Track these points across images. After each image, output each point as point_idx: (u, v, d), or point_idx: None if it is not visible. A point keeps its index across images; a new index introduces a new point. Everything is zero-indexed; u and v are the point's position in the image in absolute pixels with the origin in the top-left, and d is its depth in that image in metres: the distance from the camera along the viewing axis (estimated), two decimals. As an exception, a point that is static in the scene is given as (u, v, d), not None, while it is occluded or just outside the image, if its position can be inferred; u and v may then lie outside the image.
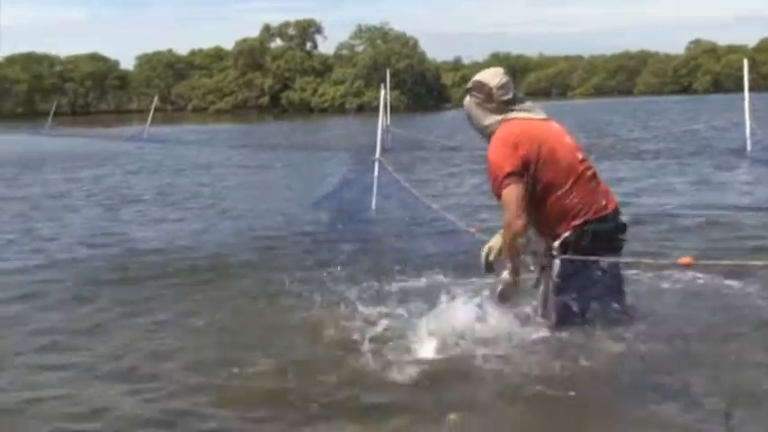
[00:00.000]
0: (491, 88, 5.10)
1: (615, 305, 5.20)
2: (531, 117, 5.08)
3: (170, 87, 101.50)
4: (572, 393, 4.38)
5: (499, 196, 4.95)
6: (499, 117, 5.09)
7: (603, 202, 5.00)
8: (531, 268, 5.37)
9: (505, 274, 5.17)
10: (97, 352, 5.52)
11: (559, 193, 4.92)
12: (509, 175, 4.86)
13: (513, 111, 5.08)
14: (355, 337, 5.33)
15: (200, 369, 5.02)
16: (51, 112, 54.80)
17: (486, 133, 5.16)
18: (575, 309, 5.02)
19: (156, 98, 48.09)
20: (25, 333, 6.04)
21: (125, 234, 10.38)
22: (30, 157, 25.98)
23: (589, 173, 5.01)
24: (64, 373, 5.18)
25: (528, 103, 5.18)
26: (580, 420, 4.19)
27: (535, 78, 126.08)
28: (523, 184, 4.87)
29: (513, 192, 4.86)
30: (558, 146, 4.96)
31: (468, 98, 5.26)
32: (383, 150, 12.50)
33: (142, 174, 19.46)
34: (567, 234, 4.93)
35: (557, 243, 4.96)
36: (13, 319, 6.45)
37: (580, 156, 5.03)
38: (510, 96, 5.10)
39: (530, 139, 4.92)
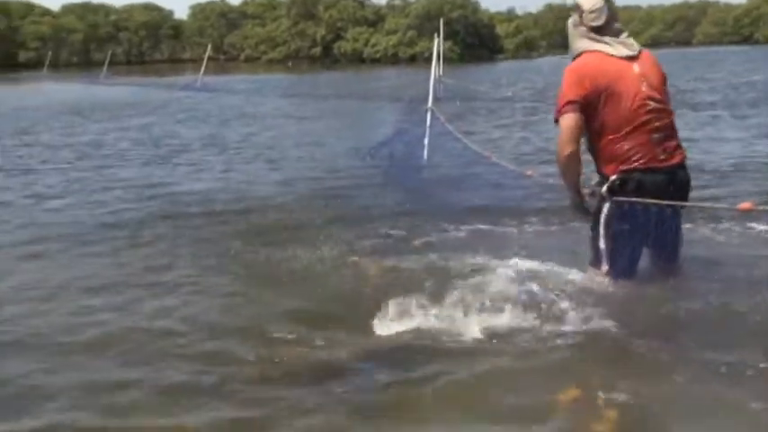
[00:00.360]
0: (583, 11, 4.96)
1: (668, 256, 5.07)
2: (611, 53, 4.88)
3: (223, 37, 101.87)
4: (615, 345, 4.31)
5: (557, 121, 4.88)
6: (584, 45, 4.96)
7: (662, 156, 4.80)
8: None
9: (570, 196, 5.10)
10: (123, 304, 5.46)
11: (612, 136, 4.80)
12: (569, 103, 4.78)
13: (599, 41, 4.92)
14: (401, 291, 5.22)
15: (226, 326, 4.93)
16: (106, 62, 55.36)
17: (572, 57, 5.07)
18: (623, 256, 4.91)
19: (209, 48, 48.19)
20: (56, 281, 6.02)
21: (170, 184, 10.38)
22: (83, 106, 26.19)
23: (655, 124, 4.79)
24: (81, 321, 5.15)
25: (622, 37, 4.96)
26: (621, 371, 4.07)
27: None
28: (580, 116, 4.77)
29: (568, 120, 4.79)
30: (625, 90, 4.77)
31: (570, 18, 5.14)
32: (435, 100, 12.34)
33: (192, 123, 19.51)
34: (613, 177, 4.82)
35: (604, 188, 4.85)
36: (46, 266, 6.46)
37: (651, 105, 4.79)
38: (600, 23, 4.92)
39: (599, 75, 4.78)
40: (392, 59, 79.61)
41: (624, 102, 4.75)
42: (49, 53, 77.11)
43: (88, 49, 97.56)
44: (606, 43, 4.90)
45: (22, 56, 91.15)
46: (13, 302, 5.52)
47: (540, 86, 29.28)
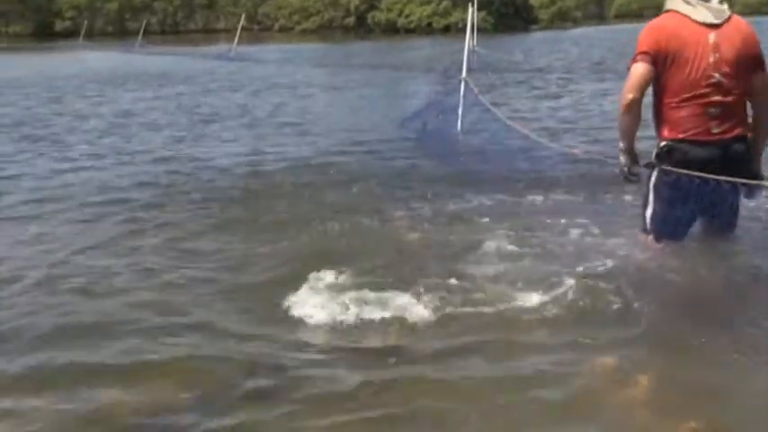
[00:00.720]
0: None
1: (720, 227, 5.02)
2: (692, 17, 4.76)
3: (257, 7, 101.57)
4: (652, 316, 4.25)
5: (629, 69, 4.87)
6: (673, 4, 4.86)
7: (715, 130, 4.72)
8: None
9: (621, 158, 5.07)
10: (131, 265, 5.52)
11: (669, 100, 4.77)
12: (642, 53, 4.77)
13: (686, 1, 4.80)
14: (431, 261, 5.18)
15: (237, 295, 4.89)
16: (141, 31, 55.44)
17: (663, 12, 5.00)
18: (669, 224, 4.93)
19: (242, 17, 48.08)
20: (77, 248, 6.03)
21: (196, 153, 10.31)
22: (116, 75, 26.20)
23: (715, 98, 4.70)
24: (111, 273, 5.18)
25: (713, 0, 4.82)
26: (657, 343, 4.05)
27: (626, 0, 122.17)
28: (651, 68, 4.74)
29: (637, 68, 4.77)
30: (692, 58, 4.69)
31: None
32: (469, 71, 12.19)
33: (224, 93, 19.44)
34: (662, 144, 4.83)
35: (653, 154, 4.88)
36: (65, 233, 6.49)
37: (715, 78, 4.68)
38: None
39: (673, 37, 4.72)
40: (426, 30, 78.98)
41: (688, 69, 4.68)
42: (85, 22, 77.41)
43: (123, 18, 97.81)
44: (692, 5, 4.78)
45: (59, 25, 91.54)
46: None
47: (574, 57, 28.92)
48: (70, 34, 78.40)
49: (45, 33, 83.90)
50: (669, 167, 4.76)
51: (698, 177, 4.64)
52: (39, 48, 55.06)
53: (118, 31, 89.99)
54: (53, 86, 22.21)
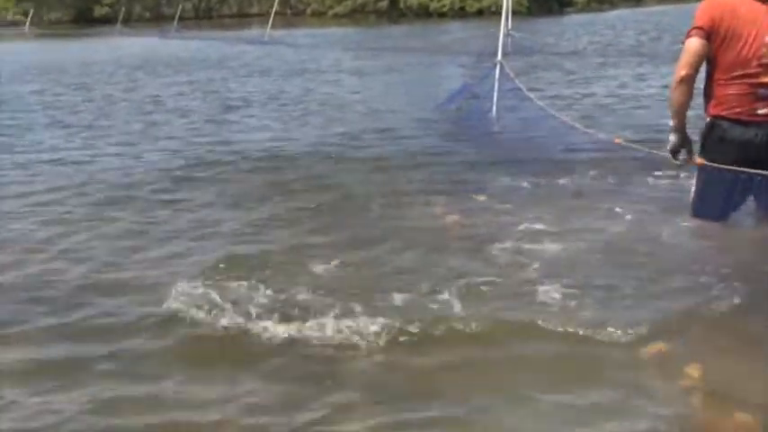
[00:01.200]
0: None
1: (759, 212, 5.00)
2: None
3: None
4: (700, 300, 4.21)
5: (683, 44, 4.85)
6: None
7: (762, 111, 4.69)
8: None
9: (670, 137, 5.01)
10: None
11: (719, 76, 4.75)
12: (696, 28, 4.74)
13: None
14: (468, 249, 5.16)
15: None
16: (176, 17, 55.73)
17: None
18: (713, 204, 4.95)
19: (276, 2, 48.05)
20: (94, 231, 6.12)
21: (222, 140, 10.30)
22: (150, 61, 26.24)
23: (765, 79, 4.65)
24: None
25: None
26: (706, 328, 4.02)
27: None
28: (705, 43, 4.71)
29: (691, 43, 4.75)
30: (746, 35, 4.65)
31: None
32: (503, 55, 12.08)
33: (255, 77, 19.39)
34: (708, 120, 4.84)
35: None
36: (75, 215, 6.61)
37: None
38: None
39: (728, 14, 4.67)
40: (459, 13, 78.52)
41: (741, 47, 4.63)
42: (122, 9, 78.00)
43: (160, 4, 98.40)
44: None
45: (97, 11, 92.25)
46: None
47: (610, 40, 28.58)
48: (108, 20, 78.98)
49: (84, 20, 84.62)
50: (705, 161, 4.80)
51: (740, 155, 4.63)
52: (77, 34, 55.52)
53: (154, 17, 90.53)
54: (86, 72, 22.37)
